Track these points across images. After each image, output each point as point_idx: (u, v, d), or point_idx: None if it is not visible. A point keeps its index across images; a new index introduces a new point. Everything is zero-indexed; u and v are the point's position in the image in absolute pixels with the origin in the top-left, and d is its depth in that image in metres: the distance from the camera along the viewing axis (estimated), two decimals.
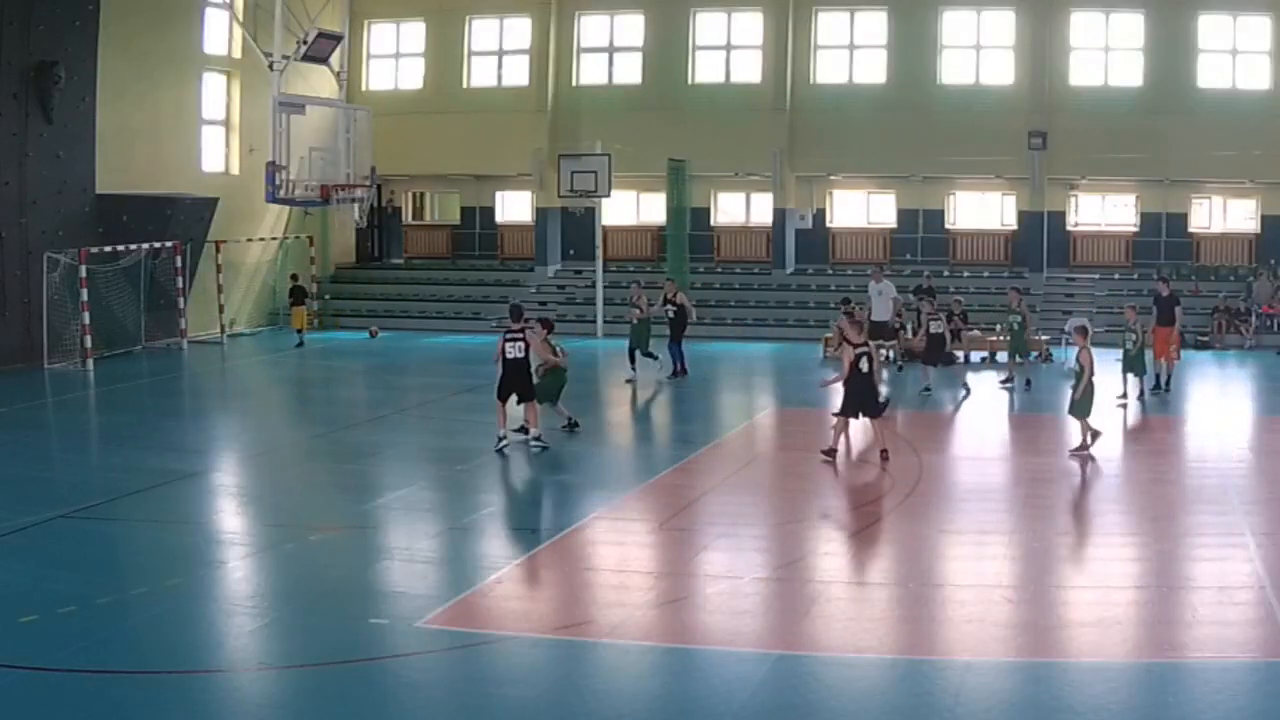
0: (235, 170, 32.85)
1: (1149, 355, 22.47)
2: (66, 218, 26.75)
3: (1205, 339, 29.63)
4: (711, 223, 36.16)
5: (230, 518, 15.11)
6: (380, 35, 37.25)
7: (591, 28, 35.76)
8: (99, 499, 15.15)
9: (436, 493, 16.22)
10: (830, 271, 34.60)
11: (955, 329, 27.65)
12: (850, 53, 34.06)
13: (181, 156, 30.95)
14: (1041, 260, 32.77)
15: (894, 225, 35.00)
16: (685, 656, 10.28)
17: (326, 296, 35.68)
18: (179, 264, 29.36)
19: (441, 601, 11.45)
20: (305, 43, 28.36)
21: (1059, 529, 14.01)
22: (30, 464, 17.54)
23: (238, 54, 32.49)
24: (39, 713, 8.99)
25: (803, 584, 12.01)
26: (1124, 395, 21.61)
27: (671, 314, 25.01)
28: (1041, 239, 32.80)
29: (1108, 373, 20.54)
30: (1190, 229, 33.01)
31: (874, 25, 33.76)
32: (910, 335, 27.98)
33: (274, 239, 34.42)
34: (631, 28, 35.35)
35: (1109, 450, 18.31)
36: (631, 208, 36.40)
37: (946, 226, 34.60)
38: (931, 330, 23.34)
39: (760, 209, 35.59)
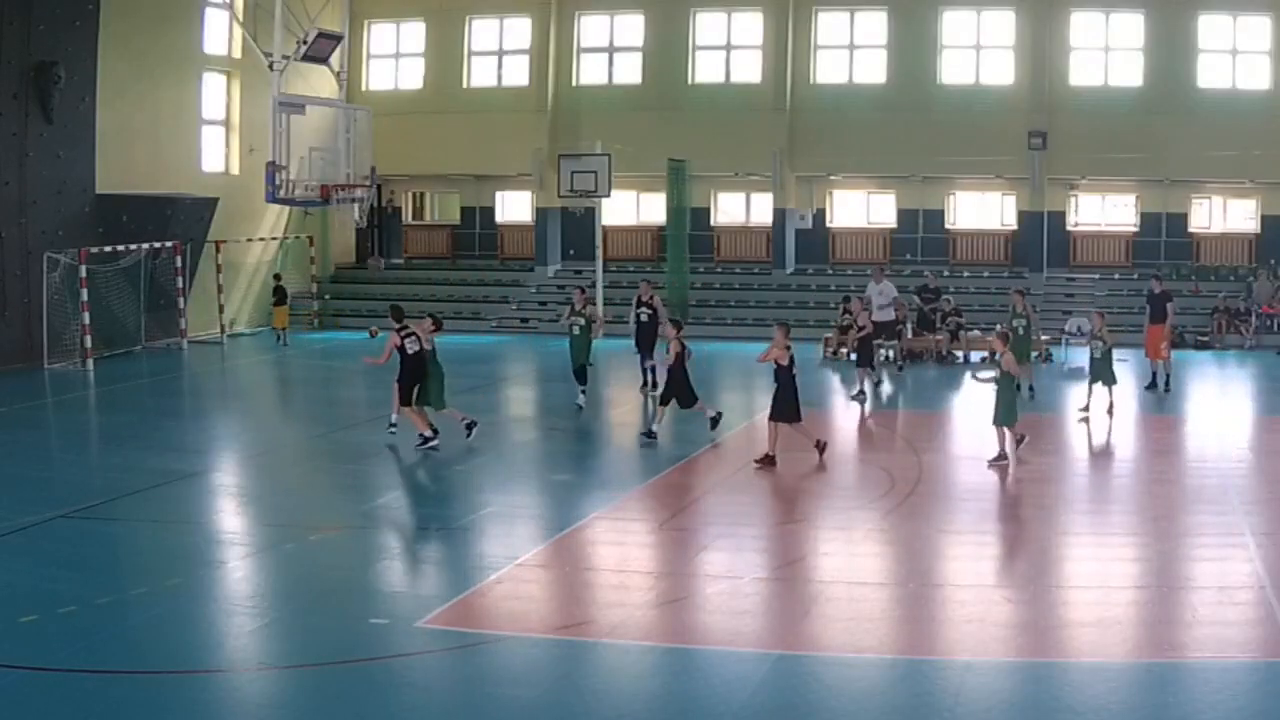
0: (235, 170, 32.85)
1: (1148, 359, 22.39)
2: (66, 218, 26.75)
3: (1205, 339, 29.63)
4: (711, 223, 36.15)
5: (230, 518, 15.12)
6: (380, 35, 37.25)
7: (591, 28, 35.76)
8: (99, 499, 15.15)
9: (436, 493, 16.22)
10: (830, 271, 34.59)
11: (956, 328, 27.72)
12: (850, 53, 34.05)
13: (181, 156, 30.94)
14: (1041, 260, 32.76)
15: (894, 225, 34.99)
16: (685, 656, 10.28)
17: (326, 296, 35.67)
18: (179, 264, 29.36)
19: (441, 601, 11.45)
20: (305, 43, 28.36)
21: (1059, 529, 14.00)
22: (30, 464, 17.54)
23: (238, 54, 32.48)
24: (39, 713, 8.99)
25: (803, 584, 12.01)
26: (1086, 408, 20.34)
27: (644, 318, 22.81)
28: (1041, 239, 32.79)
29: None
30: (1190, 229, 32.99)
31: (874, 25, 33.75)
32: (910, 335, 28.03)
33: (274, 239, 34.41)
34: (631, 28, 35.35)
35: (1109, 450, 18.34)
36: (631, 208, 36.39)
37: (946, 226, 34.59)
38: (874, 323, 22.79)
39: (760, 209, 35.58)
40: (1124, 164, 31.83)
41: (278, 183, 27.13)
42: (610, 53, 35.63)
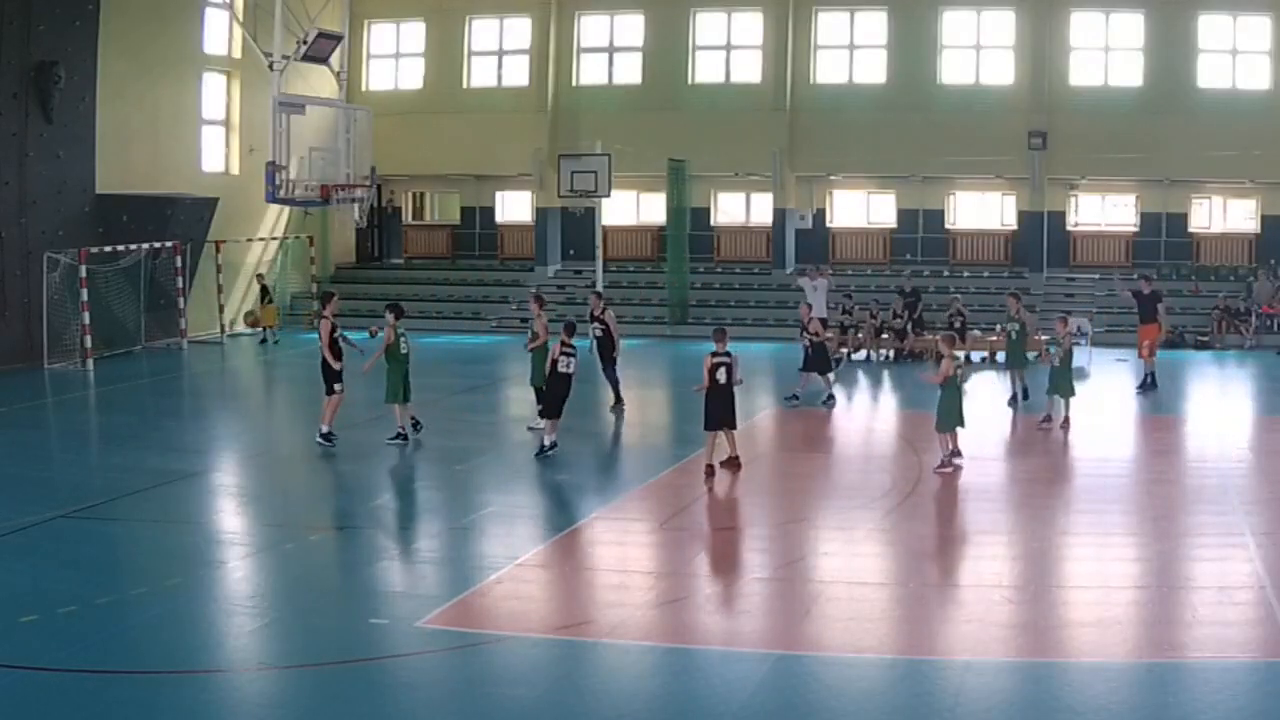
0: (235, 170, 32.85)
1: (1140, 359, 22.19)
2: (66, 218, 26.75)
3: (1205, 339, 29.62)
4: (711, 223, 36.14)
5: (230, 518, 15.12)
6: (380, 35, 37.25)
7: (591, 28, 35.76)
8: (99, 499, 15.15)
9: (436, 493, 16.22)
10: (830, 272, 34.52)
11: (961, 326, 27.66)
12: (850, 53, 34.05)
13: (181, 156, 30.95)
14: (1041, 260, 32.76)
15: (894, 225, 34.99)
16: (685, 656, 10.28)
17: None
18: (179, 264, 29.36)
19: (441, 601, 11.45)
20: (305, 43, 28.33)
21: (1059, 529, 14.00)
22: (30, 464, 17.54)
23: (238, 54, 32.48)
24: (39, 713, 8.99)
25: (803, 584, 12.01)
26: (1047, 418, 19.39)
27: (599, 333, 21.30)
28: (1041, 239, 32.79)
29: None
30: (1190, 229, 32.99)
31: (874, 25, 33.75)
32: (912, 335, 28.01)
33: (274, 239, 34.41)
34: (631, 28, 35.35)
35: (1109, 450, 18.32)
36: (631, 208, 36.39)
37: (946, 226, 34.59)
38: (818, 336, 22.00)
39: (760, 209, 35.58)
40: (1124, 164, 31.83)
41: (278, 183, 27.10)
42: (610, 53, 35.63)
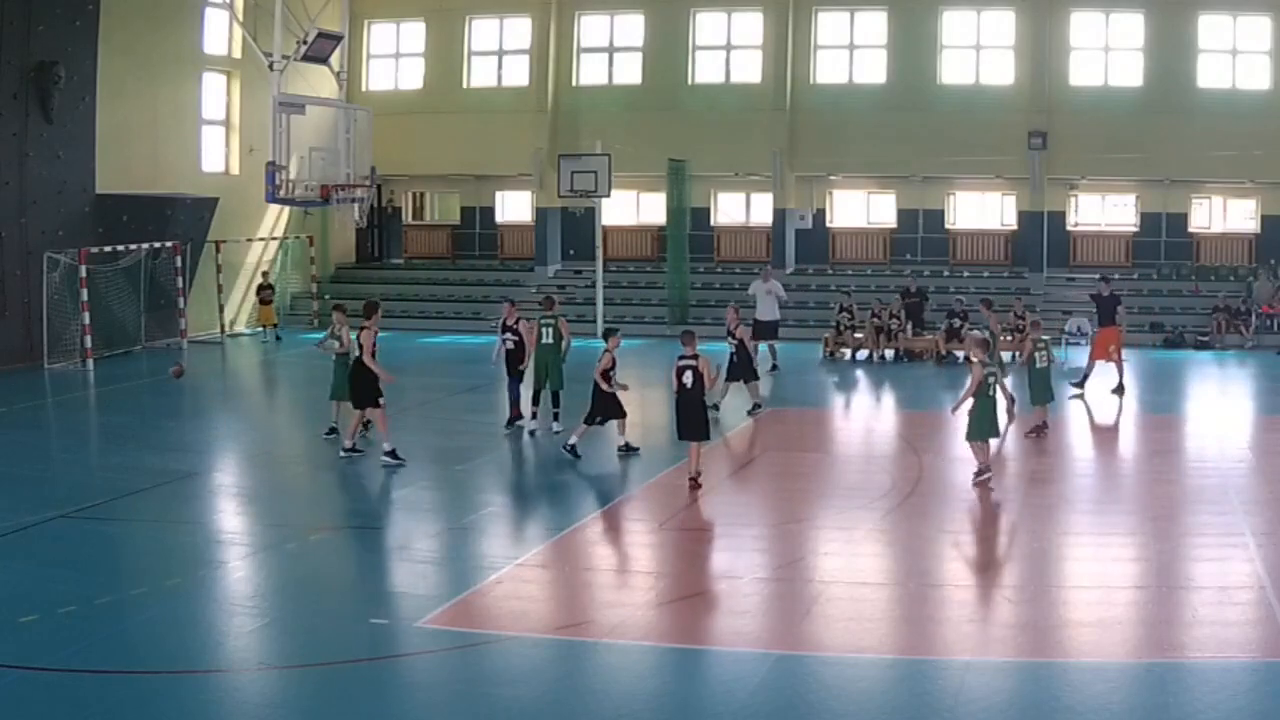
0: (235, 170, 32.84)
1: (1095, 361, 22.03)
2: (66, 218, 26.74)
3: (1205, 339, 29.61)
4: (711, 223, 36.14)
5: (230, 518, 15.12)
6: (380, 35, 37.24)
7: (591, 28, 35.75)
8: (99, 499, 15.15)
9: (436, 493, 16.21)
10: (830, 271, 34.58)
11: (959, 327, 27.64)
12: (850, 53, 34.05)
13: (181, 156, 30.94)
14: (1041, 260, 32.74)
15: (894, 225, 34.98)
16: (685, 656, 10.29)
17: (326, 296, 35.65)
18: (179, 264, 29.36)
19: (441, 601, 11.45)
20: (305, 43, 28.36)
21: (1059, 529, 14.00)
22: (30, 464, 17.54)
23: (238, 54, 32.48)
24: (39, 713, 8.99)
25: (803, 584, 12.01)
26: (1044, 425, 18.82)
27: (511, 345, 19.37)
28: (1041, 239, 32.77)
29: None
30: (1190, 229, 32.98)
31: (874, 25, 33.74)
32: (909, 335, 28.01)
33: (274, 239, 34.40)
34: (631, 28, 35.34)
35: (1109, 450, 18.32)
36: (631, 208, 36.38)
37: (946, 226, 34.58)
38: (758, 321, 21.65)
39: (760, 209, 35.57)
40: (1124, 164, 31.82)
41: (278, 183, 27.12)
42: (610, 53, 35.63)
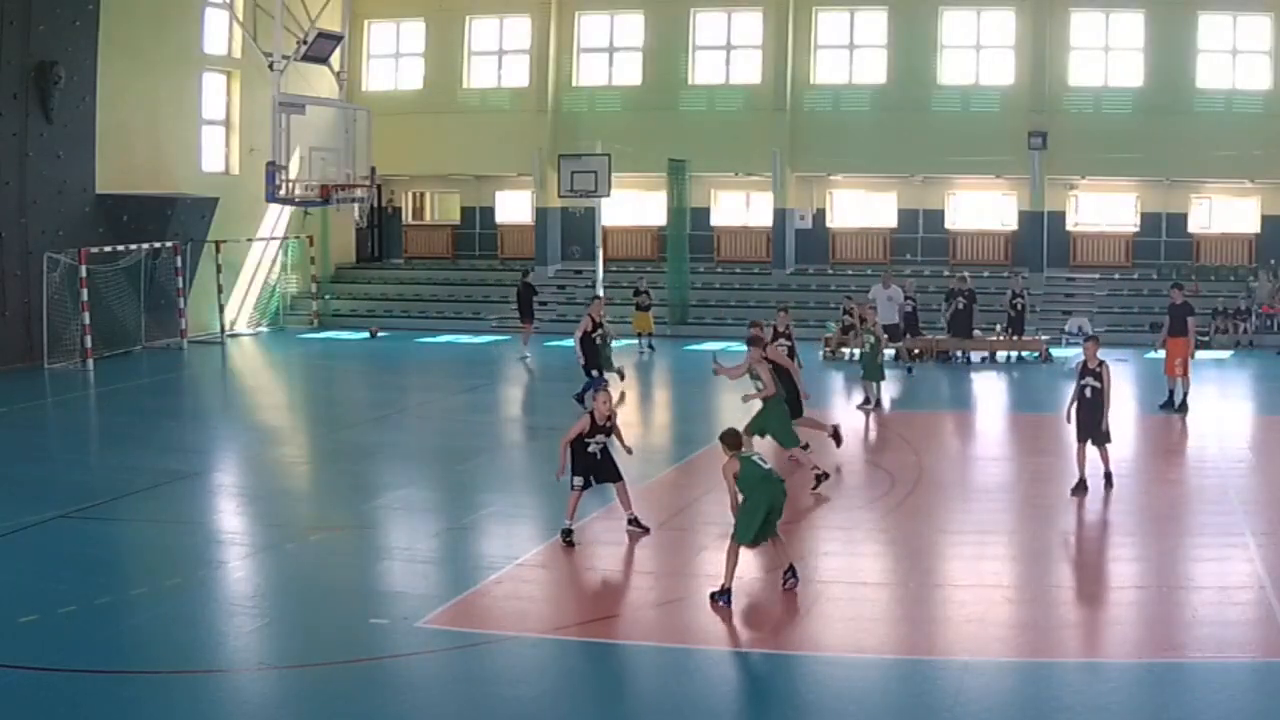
0: (235, 170, 32.84)
1: (1165, 375, 21.01)
2: (66, 218, 26.74)
3: (1205, 339, 29.59)
4: (711, 223, 36.14)
5: (230, 518, 15.12)
6: (380, 35, 37.25)
7: (591, 28, 35.76)
8: (99, 499, 15.15)
9: (436, 493, 16.22)
10: (830, 271, 34.59)
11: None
12: (850, 53, 34.07)
13: (181, 156, 30.94)
14: (1041, 260, 32.75)
15: (894, 225, 34.99)
16: (685, 656, 10.28)
17: (326, 296, 35.68)
18: (179, 264, 29.36)
19: (441, 601, 11.45)
20: (305, 43, 28.38)
21: (1059, 529, 14.00)
22: (30, 464, 17.53)
23: (238, 54, 32.48)
24: (39, 713, 8.99)
25: (803, 584, 12.00)
26: (866, 402, 20.51)
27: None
28: (1041, 239, 32.79)
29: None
30: (1190, 229, 32.99)
31: (874, 25, 33.76)
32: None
33: (274, 239, 34.41)
34: (631, 28, 35.35)
35: (1109, 450, 18.28)
36: (631, 208, 36.38)
37: (946, 226, 34.59)
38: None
39: (760, 209, 35.57)
40: (1124, 164, 31.85)
41: (278, 183, 27.15)
42: (610, 53, 35.64)
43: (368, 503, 15.30)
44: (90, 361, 26.03)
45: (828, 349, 28.34)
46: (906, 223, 34.79)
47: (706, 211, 35.85)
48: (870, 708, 9.25)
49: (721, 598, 11.15)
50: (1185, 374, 20.77)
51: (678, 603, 11.50)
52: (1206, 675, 9.51)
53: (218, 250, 31.43)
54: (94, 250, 26.49)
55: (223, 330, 31.76)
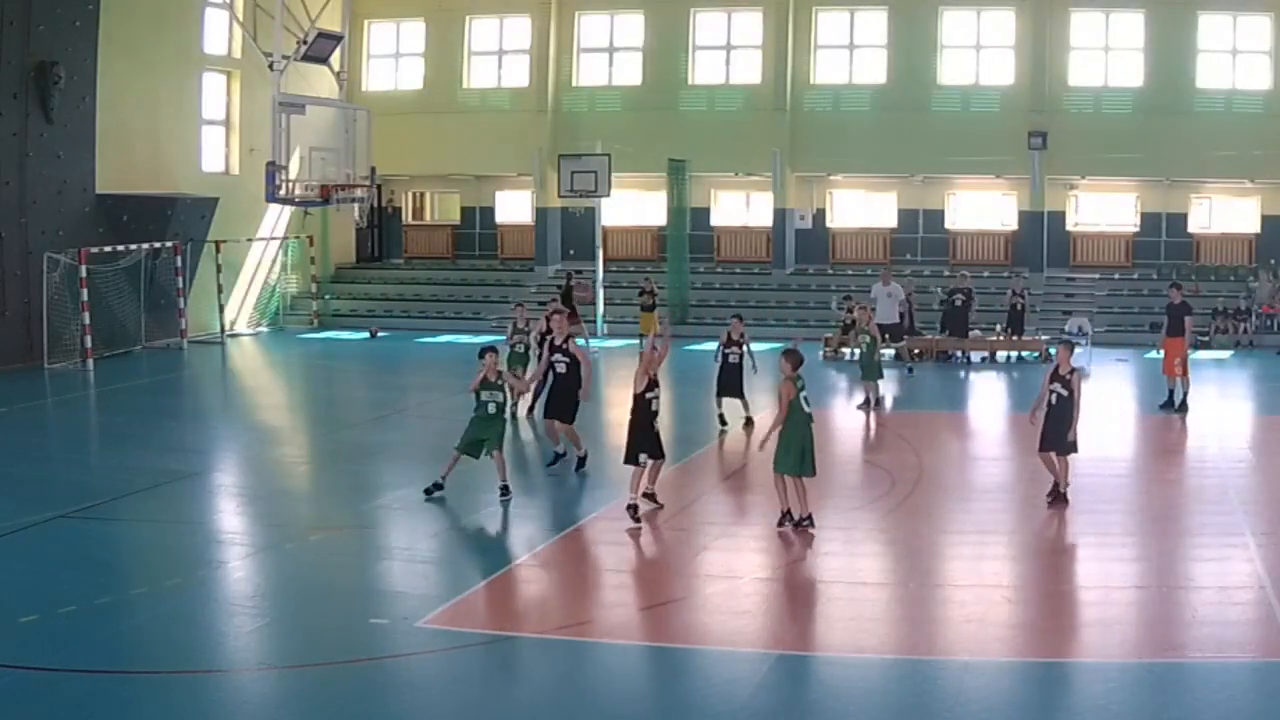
0: (235, 170, 32.84)
1: (1164, 375, 20.96)
2: (66, 218, 26.74)
3: (1205, 339, 29.60)
4: (711, 223, 36.14)
5: (230, 518, 15.11)
6: (380, 35, 37.25)
7: (591, 28, 35.76)
8: (99, 499, 15.14)
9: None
10: (830, 271, 34.59)
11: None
12: (850, 53, 34.07)
13: (181, 156, 30.94)
14: (1041, 260, 32.76)
15: (894, 225, 34.99)
16: (685, 656, 10.28)
17: (326, 296, 35.68)
18: (179, 264, 29.36)
19: (441, 601, 11.44)
20: (305, 43, 28.40)
21: (1059, 529, 13.99)
22: (30, 464, 17.53)
23: (238, 54, 32.48)
24: (39, 713, 8.98)
25: (803, 584, 12.01)
26: (865, 403, 20.58)
27: (563, 369, 16.76)
28: (1041, 239, 32.79)
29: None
30: (1190, 229, 32.99)
31: (874, 25, 33.76)
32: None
33: (274, 239, 34.41)
34: (631, 28, 35.36)
35: (1109, 450, 18.29)
36: (631, 208, 36.38)
37: (946, 226, 34.60)
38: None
39: (760, 209, 35.57)
40: (1124, 164, 31.85)
41: (278, 183, 27.17)
42: (610, 53, 35.65)
43: (368, 503, 15.29)
44: (90, 361, 26.02)
45: (828, 349, 28.33)
46: (906, 223, 34.79)
47: (706, 211, 35.85)
48: (870, 708, 9.24)
49: (786, 520, 13.37)
50: (1185, 374, 20.75)
51: (678, 603, 11.50)
52: (1206, 675, 9.51)
53: (218, 250, 31.43)
54: (94, 250, 26.48)
55: (223, 330, 31.75)
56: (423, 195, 39.27)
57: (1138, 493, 16.01)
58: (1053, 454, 14.65)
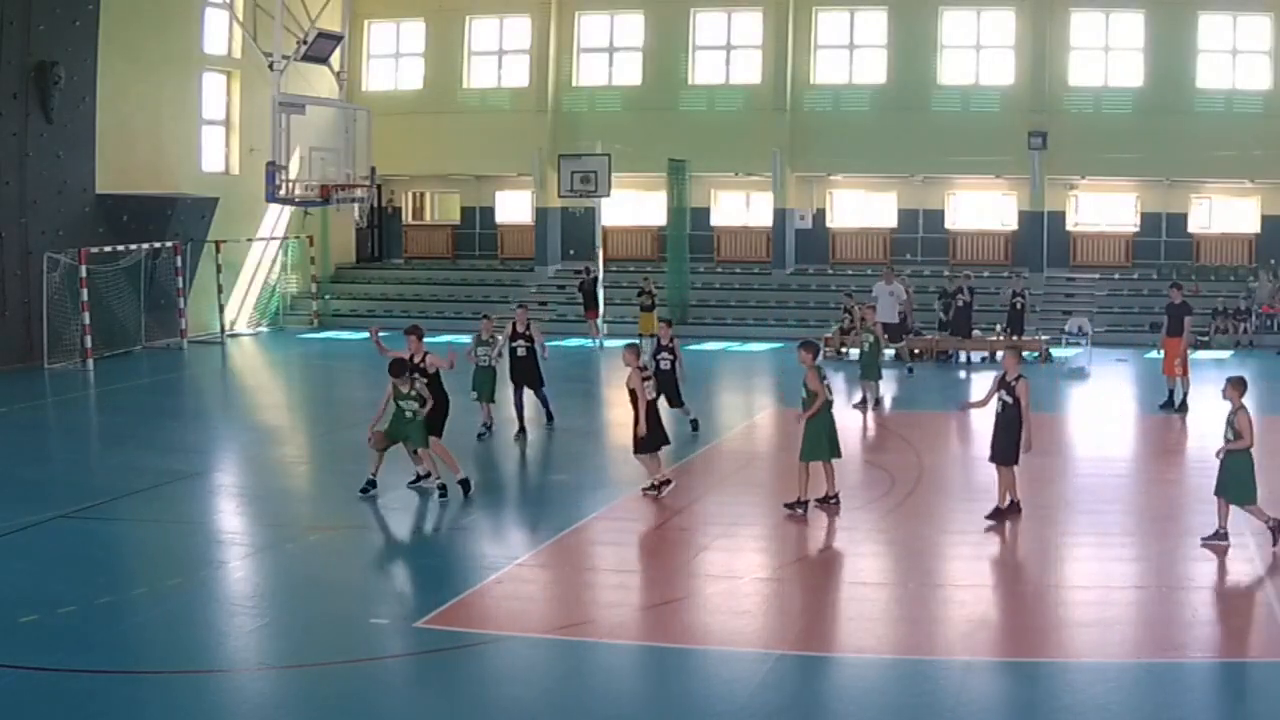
0: (235, 170, 32.84)
1: (1163, 375, 20.90)
2: (66, 218, 26.74)
3: (1205, 339, 29.59)
4: (711, 223, 36.14)
5: (230, 518, 15.12)
6: (380, 35, 37.25)
7: (591, 28, 35.76)
8: (99, 499, 15.15)
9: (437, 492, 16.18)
10: (830, 271, 34.59)
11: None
12: (850, 53, 34.06)
13: (181, 156, 30.93)
14: (1041, 260, 32.75)
15: (894, 225, 34.99)
16: (685, 656, 10.28)
17: (326, 296, 35.68)
18: (179, 264, 29.37)
19: (441, 601, 11.44)
20: (305, 43, 28.40)
21: (1059, 529, 13.99)
22: (30, 464, 17.53)
23: (238, 54, 32.48)
24: (39, 713, 8.99)
25: (803, 584, 12.02)
26: (862, 402, 20.82)
27: (522, 351, 19.15)
28: (1041, 239, 32.78)
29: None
30: (1190, 229, 32.98)
31: (874, 25, 33.75)
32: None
33: (274, 239, 34.41)
34: (631, 28, 35.35)
35: (1109, 450, 18.31)
36: (631, 208, 36.37)
37: (946, 226, 34.59)
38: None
39: (760, 209, 35.57)
40: (1124, 164, 31.85)
41: (278, 183, 27.16)
42: (610, 53, 35.65)
43: (367, 503, 15.29)
44: (90, 361, 26.03)
45: (828, 349, 28.31)
46: (906, 223, 34.79)
47: (706, 211, 35.85)
48: (870, 708, 9.25)
49: (797, 508, 13.91)
50: (1185, 374, 20.73)
51: (678, 603, 11.50)
52: (1206, 675, 9.51)
53: (218, 250, 31.43)
54: (94, 250, 26.49)
55: (223, 330, 31.75)
56: (423, 195, 39.27)
57: (1138, 493, 16.01)
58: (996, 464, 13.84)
